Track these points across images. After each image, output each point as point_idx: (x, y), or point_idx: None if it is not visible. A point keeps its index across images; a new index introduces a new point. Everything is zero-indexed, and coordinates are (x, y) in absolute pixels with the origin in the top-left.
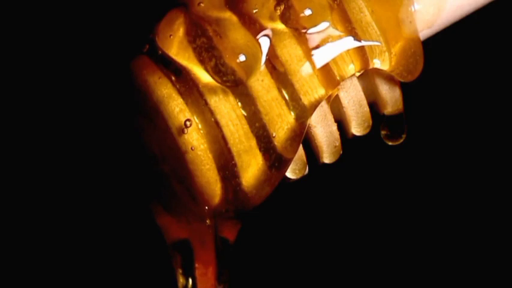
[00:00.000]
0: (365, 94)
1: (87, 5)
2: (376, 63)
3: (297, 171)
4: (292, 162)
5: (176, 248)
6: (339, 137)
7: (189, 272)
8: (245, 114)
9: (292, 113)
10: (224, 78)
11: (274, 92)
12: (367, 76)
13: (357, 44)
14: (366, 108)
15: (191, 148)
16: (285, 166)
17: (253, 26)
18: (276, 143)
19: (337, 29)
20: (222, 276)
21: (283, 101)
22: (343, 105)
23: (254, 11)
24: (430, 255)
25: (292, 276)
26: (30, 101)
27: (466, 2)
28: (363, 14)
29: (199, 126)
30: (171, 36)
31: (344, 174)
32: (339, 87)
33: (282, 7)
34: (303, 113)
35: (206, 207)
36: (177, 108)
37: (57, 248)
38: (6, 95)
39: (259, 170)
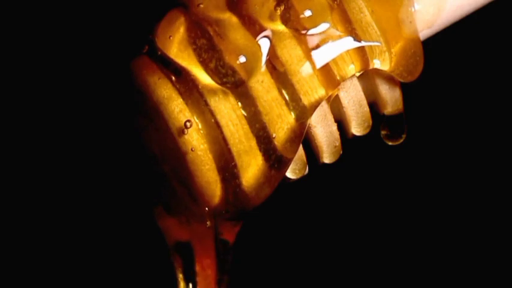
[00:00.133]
0: (365, 94)
1: (87, 5)
2: (376, 64)
3: (297, 171)
4: (292, 162)
5: (177, 250)
6: (339, 137)
7: (189, 273)
8: (245, 114)
9: (292, 114)
10: (224, 80)
11: (274, 92)
12: (367, 76)
13: (357, 44)
14: (366, 108)
15: (191, 149)
16: (285, 166)
17: (253, 27)
18: (276, 143)
19: (337, 29)
20: (222, 278)
21: (283, 102)
22: (343, 105)
23: (254, 12)
24: (430, 255)
25: (292, 276)
26: (31, 101)
27: (466, 2)
28: (363, 14)
29: (200, 126)
30: (171, 37)
31: (344, 174)
32: (339, 87)
33: (282, 7)
34: (303, 113)
35: (206, 208)
36: (177, 109)
37: (58, 248)
38: (6, 96)
39: (259, 170)
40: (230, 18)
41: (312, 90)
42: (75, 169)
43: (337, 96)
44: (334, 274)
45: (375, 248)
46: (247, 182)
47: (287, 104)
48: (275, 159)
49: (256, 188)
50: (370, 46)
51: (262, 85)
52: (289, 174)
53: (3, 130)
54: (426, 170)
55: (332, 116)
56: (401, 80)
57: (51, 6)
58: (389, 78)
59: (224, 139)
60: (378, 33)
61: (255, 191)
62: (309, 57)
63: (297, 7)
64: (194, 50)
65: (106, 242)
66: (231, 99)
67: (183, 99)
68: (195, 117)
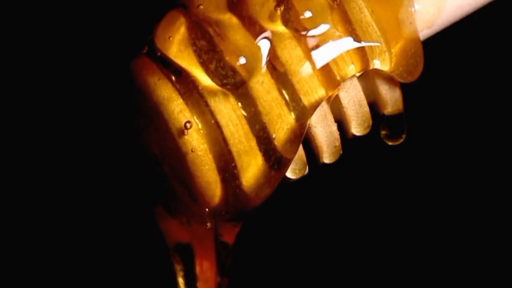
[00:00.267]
0: (365, 94)
1: (87, 5)
2: (376, 64)
3: (297, 171)
4: (292, 162)
5: (177, 251)
6: (339, 137)
7: (189, 276)
8: (245, 114)
9: (293, 114)
10: (224, 81)
11: (275, 93)
12: (367, 76)
13: (357, 44)
14: (366, 108)
15: (191, 149)
16: (285, 166)
17: (253, 27)
18: (276, 144)
19: (337, 29)
20: (223, 280)
21: (284, 102)
22: (343, 105)
23: (254, 12)
24: (430, 255)
25: (292, 276)
26: (31, 102)
27: (466, 2)
28: (363, 14)
29: (200, 126)
30: (171, 38)
31: (344, 174)
32: (339, 87)
33: (282, 8)
34: (303, 113)
35: (207, 209)
36: (177, 109)
37: (58, 249)
38: (6, 96)
39: (259, 171)
40: (230, 19)
41: (312, 90)
42: (75, 170)
43: (337, 96)
44: (334, 274)
45: (374, 248)
46: (247, 182)
47: (287, 104)
48: (275, 160)
49: (256, 188)
50: (370, 46)
51: (262, 86)
52: (289, 174)
53: (3, 130)
54: (426, 170)
55: (332, 116)
56: (401, 81)
57: (51, 6)
58: (389, 78)
59: (224, 139)
60: (378, 33)
61: (255, 192)
62: (309, 58)
63: (297, 7)
64: (194, 51)
65: (106, 243)
66: (231, 99)
67: (183, 99)
68: (195, 118)
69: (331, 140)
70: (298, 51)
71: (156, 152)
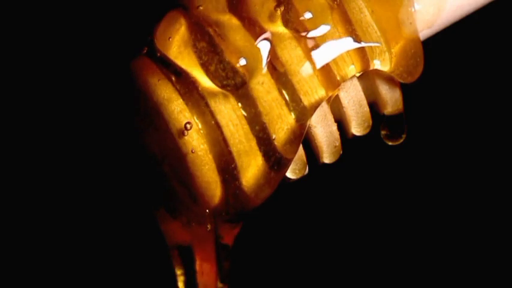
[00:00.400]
0: (365, 94)
1: (87, 6)
2: (377, 64)
3: (297, 171)
4: (292, 162)
5: (177, 253)
6: (339, 137)
7: (189, 275)
8: (245, 115)
9: (293, 114)
10: (224, 83)
11: (275, 93)
12: (367, 76)
13: (357, 44)
14: (366, 108)
15: (191, 150)
16: (285, 167)
17: (253, 28)
18: (276, 144)
19: (337, 29)
20: (223, 280)
21: (284, 102)
22: (343, 105)
23: (254, 13)
24: (430, 255)
25: (292, 276)
26: (31, 102)
27: (466, 2)
28: (363, 14)
29: (200, 127)
30: (170, 38)
31: (344, 174)
32: (339, 87)
33: (282, 8)
34: (303, 114)
35: (207, 210)
36: (177, 110)
37: (59, 250)
38: (6, 96)
39: (259, 171)
40: (230, 20)
41: (312, 90)
42: (75, 170)
43: (337, 96)
44: (334, 274)
45: (374, 247)
46: (247, 183)
47: (287, 104)
48: (275, 160)
49: (256, 189)
50: (370, 46)
51: (262, 86)
52: (289, 174)
53: (3, 131)
54: (426, 170)
55: (332, 116)
56: (401, 81)
57: (51, 7)
58: (389, 79)
59: (224, 140)
60: (378, 33)
61: (255, 192)
62: (309, 58)
63: (297, 8)
64: (194, 51)
65: (107, 244)
66: (231, 100)
67: (183, 100)
68: (195, 118)
69: (331, 140)
70: (298, 52)
71: (156, 152)
